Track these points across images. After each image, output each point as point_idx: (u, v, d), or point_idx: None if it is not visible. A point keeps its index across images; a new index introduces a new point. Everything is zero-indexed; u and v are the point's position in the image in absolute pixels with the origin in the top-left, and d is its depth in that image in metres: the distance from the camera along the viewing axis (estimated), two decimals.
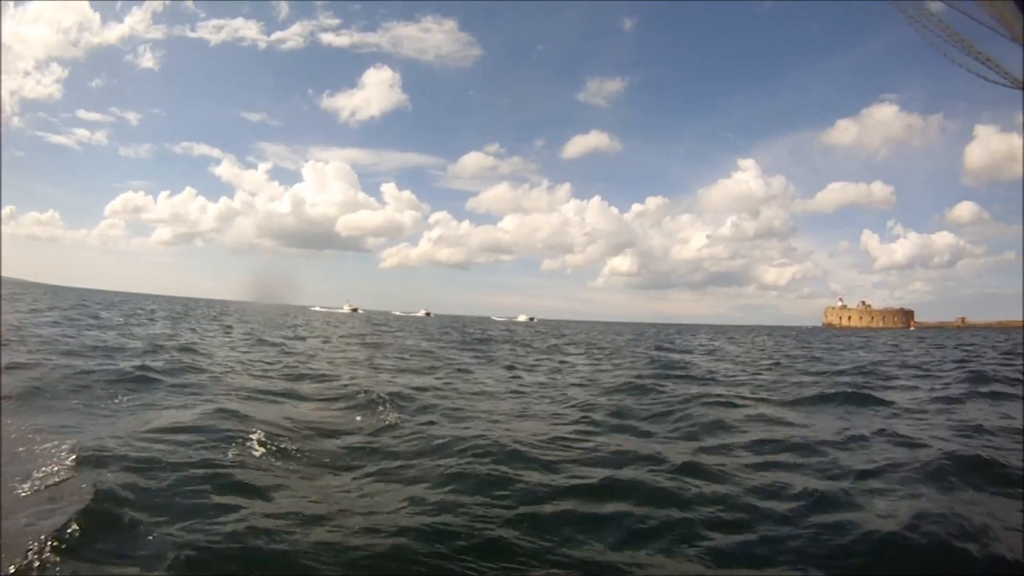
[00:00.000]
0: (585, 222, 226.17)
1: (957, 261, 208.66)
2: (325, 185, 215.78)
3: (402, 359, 17.02)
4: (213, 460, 5.14)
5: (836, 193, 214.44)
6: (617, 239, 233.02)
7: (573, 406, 9.29)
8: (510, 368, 15.73)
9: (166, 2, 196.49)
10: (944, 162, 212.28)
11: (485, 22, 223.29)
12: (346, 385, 10.50)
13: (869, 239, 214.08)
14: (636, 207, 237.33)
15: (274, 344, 19.25)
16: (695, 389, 11.03)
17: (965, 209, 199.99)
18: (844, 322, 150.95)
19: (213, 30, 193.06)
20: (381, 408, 8.11)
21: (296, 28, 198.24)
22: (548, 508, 4.47)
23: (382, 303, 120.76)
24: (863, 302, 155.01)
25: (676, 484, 4.99)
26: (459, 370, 14.41)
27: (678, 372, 14.61)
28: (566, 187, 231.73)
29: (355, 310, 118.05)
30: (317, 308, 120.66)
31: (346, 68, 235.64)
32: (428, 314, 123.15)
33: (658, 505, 4.53)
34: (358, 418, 7.70)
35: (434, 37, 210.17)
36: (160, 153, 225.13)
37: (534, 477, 5.16)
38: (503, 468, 5.26)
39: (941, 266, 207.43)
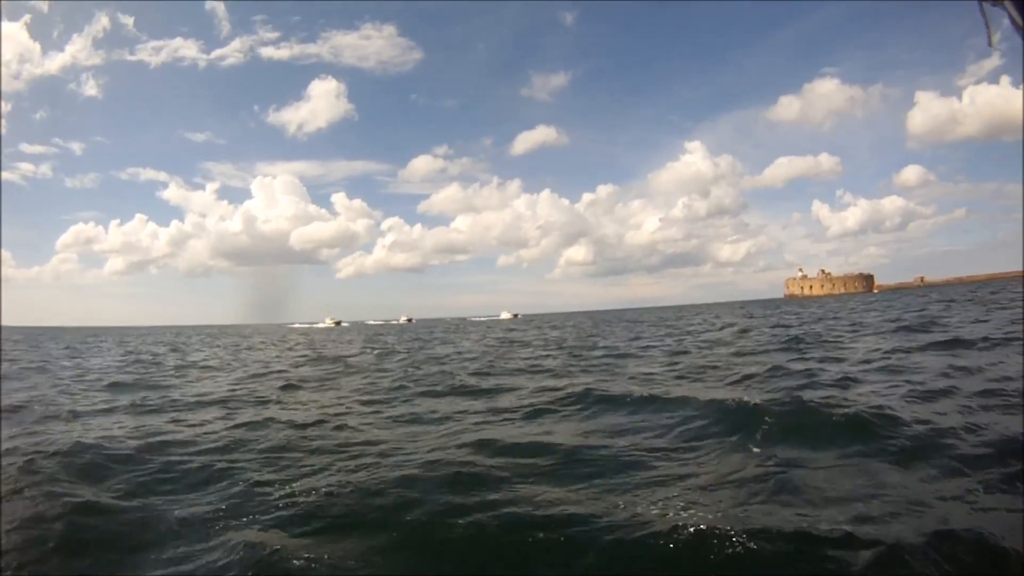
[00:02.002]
0: (537, 216, 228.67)
1: (908, 223, 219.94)
2: (275, 200, 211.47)
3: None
4: None
5: (784, 167, 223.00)
6: (570, 230, 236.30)
7: None
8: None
9: (107, 26, 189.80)
10: (888, 129, 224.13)
11: (424, 26, 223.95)
12: None
13: (820, 209, 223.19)
14: (587, 196, 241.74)
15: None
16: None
17: (912, 173, 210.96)
18: (806, 292, 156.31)
19: (152, 52, 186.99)
20: None
21: (236, 44, 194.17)
22: None
23: (350, 314, 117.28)
24: (823, 270, 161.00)
25: None
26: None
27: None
28: (516, 183, 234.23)
29: (338, 323, 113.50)
30: (295, 325, 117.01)
31: (290, 81, 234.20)
32: (410, 320, 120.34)
33: None
34: None
35: (374, 44, 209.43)
36: (107, 181, 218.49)
37: None
38: None
39: (893, 229, 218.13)
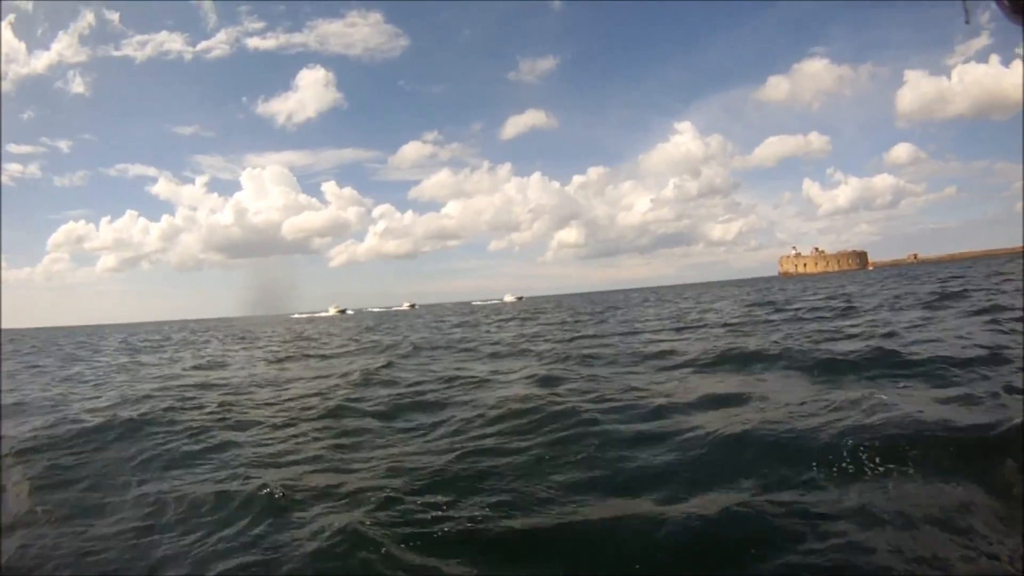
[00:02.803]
0: (528, 199, 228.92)
1: (899, 201, 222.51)
2: (265, 191, 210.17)
3: None
4: None
5: (774, 147, 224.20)
6: (562, 212, 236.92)
7: None
8: None
9: (92, 22, 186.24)
10: (877, 108, 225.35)
11: (409, 12, 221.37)
12: None
13: (811, 187, 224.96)
14: (578, 179, 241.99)
15: None
16: None
17: (902, 151, 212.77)
18: (800, 269, 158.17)
19: (138, 46, 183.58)
20: None
21: (221, 36, 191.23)
22: None
23: (346, 302, 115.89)
24: (816, 248, 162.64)
25: None
26: None
27: None
28: (507, 167, 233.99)
29: (343, 311, 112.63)
30: (296, 315, 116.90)
31: (278, 72, 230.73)
32: (414, 306, 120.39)
33: None
34: None
35: (360, 31, 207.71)
36: (96, 178, 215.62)
37: None
38: None
39: (884, 207, 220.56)
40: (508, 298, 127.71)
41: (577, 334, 17.89)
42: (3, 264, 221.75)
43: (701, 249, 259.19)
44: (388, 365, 12.34)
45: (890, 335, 10.68)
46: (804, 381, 7.43)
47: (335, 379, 11.10)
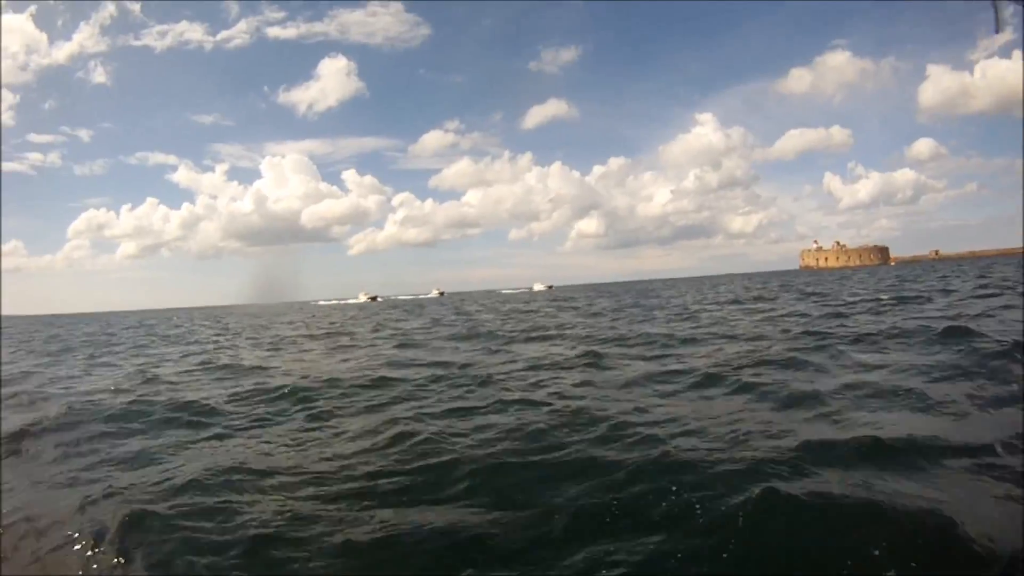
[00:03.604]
0: (548, 189, 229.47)
1: (920, 196, 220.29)
2: (285, 179, 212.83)
3: None
4: None
5: (795, 139, 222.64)
6: (582, 202, 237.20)
7: None
8: None
9: (113, 12, 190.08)
10: (899, 102, 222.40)
11: (430, 1, 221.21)
12: None
13: (831, 181, 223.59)
14: (598, 169, 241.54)
15: None
16: None
17: (923, 146, 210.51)
18: (822, 263, 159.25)
19: (158, 36, 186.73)
20: None
21: (242, 25, 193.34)
22: None
23: (372, 289, 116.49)
24: (837, 242, 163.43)
25: None
26: None
27: None
28: (527, 156, 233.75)
29: (373, 298, 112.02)
30: (322, 302, 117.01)
31: (299, 60, 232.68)
32: (442, 294, 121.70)
33: None
34: None
35: (381, 20, 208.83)
36: (116, 167, 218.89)
37: None
38: None
39: (904, 202, 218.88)
40: (538, 287, 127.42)
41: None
42: (23, 252, 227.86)
43: (720, 241, 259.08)
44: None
45: None
46: None
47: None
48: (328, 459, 5.47)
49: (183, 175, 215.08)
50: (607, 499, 4.02)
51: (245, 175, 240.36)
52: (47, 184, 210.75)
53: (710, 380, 8.16)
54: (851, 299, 23.00)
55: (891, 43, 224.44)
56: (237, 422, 7.41)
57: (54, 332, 39.47)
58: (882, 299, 21.41)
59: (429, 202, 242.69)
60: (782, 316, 18.03)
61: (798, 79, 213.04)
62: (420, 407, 7.52)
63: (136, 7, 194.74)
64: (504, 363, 11.46)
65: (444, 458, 5.13)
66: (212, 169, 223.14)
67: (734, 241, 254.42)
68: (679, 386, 8.11)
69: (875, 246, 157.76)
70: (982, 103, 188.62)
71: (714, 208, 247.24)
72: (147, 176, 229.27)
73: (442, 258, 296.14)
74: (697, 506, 3.75)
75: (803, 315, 17.71)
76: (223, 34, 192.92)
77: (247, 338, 23.98)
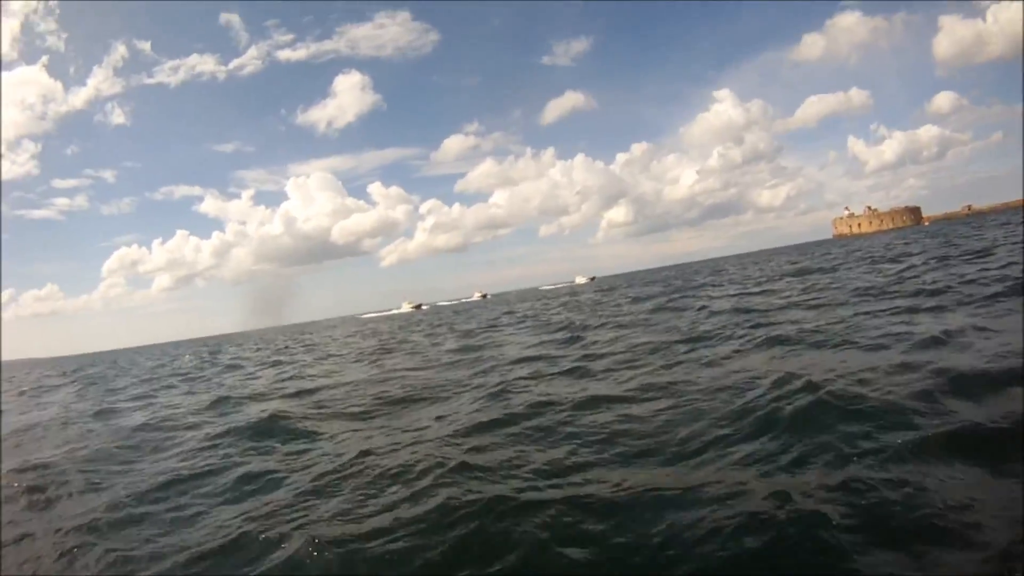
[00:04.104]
0: (574, 181, 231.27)
1: (946, 151, 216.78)
2: (311, 198, 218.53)
3: None
4: None
5: (815, 106, 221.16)
6: (608, 191, 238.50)
7: None
8: None
9: (124, 54, 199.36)
10: (915, 58, 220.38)
11: (436, 6, 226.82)
12: None
13: (855, 145, 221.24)
14: (621, 156, 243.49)
15: None
16: None
17: (944, 100, 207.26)
18: (855, 230, 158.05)
19: (170, 72, 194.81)
20: None
21: (252, 52, 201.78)
22: None
23: (413, 298, 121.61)
24: (868, 207, 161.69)
25: None
26: None
27: None
28: (550, 151, 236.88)
29: (418, 307, 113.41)
30: (369, 315, 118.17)
31: (313, 80, 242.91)
32: (485, 296, 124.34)
33: None
34: None
35: (389, 31, 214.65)
36: (142, 204, 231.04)
37: None
38: None
39: (931, 159, 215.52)
40: (580, 280, 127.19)
41: None
42: (59, 295, 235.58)
43: (751, 217, 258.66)
44: None
45: None
46: None
47: None
48: None
49: (210, 205, 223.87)
50: None
51: (271, 198, 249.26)
52: (76, 227, 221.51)
53: None
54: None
55: None
56: None
57: (98, 369, 40.88)
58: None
59: (456, 207, 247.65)
60: None
61: (811, 45, 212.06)
62: None
63: (146, 45, 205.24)
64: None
65: None
66: (238, 196, 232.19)
67: (764, 216, 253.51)
68: None
69: (907, 207, 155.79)
70: (997, 48, 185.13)
71: (740, 184, 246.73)
72: (174, 209, 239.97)
73: (474, 260, 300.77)
74: None
75: None
76: (235, 62, 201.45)
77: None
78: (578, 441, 5.96)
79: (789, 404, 5.74)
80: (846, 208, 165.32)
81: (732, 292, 23.44)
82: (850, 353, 8.15)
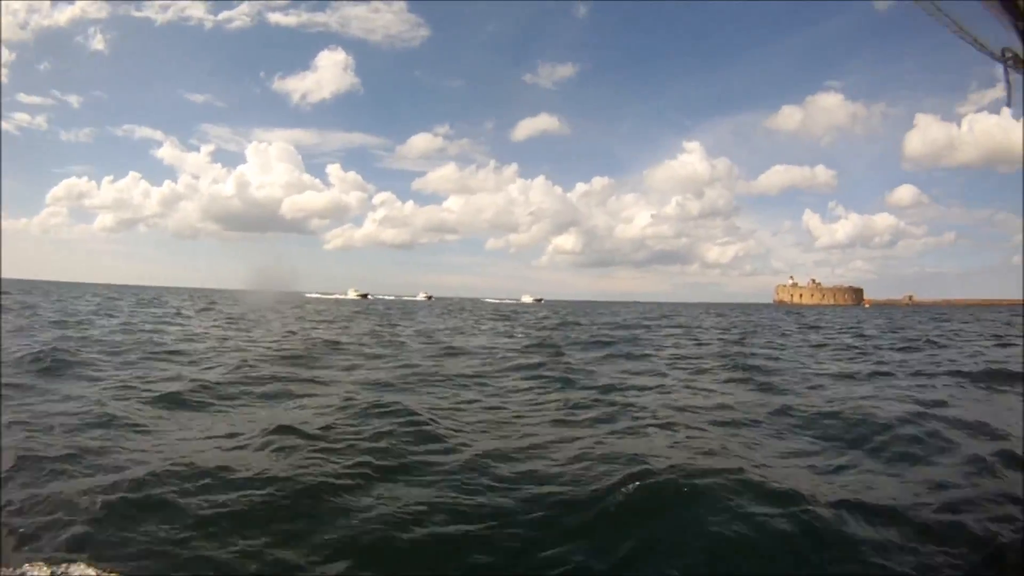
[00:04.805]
0: (530, 201, 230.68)
1: (898, 241, 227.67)
2: (269, 166, 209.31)
3: None
4: None
5: (780, 175, 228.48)
6: (561, 218, 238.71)
7: None
8: None
9: None
10: (885, 148, 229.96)
11: (433, 3, 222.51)
12: None
13: (811, 219, 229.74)
14: (581, 187, 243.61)
15: None
16: None
17: (905, 192, 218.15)
18: (796, 299, 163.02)
19: (160, 9, 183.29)
20: None
21: (244, 7, 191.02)
22: None
23: (352, 286, 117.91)
24: (813, 280, 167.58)
25: None
26: None
27: None
28: (513, 168, 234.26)
29: (364, 296, 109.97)
30: (312, 295, 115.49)
31: (297, 49, 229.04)
32: (430, 298, 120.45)
33: None
34: None
35: (383, 17, 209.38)
36: (101, 136, 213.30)
37: None
38: None
39: (882, 246, 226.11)
40: (526, 299, 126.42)
41: None
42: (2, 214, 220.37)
43: (696, 269, 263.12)
44: None
45: None
46: None
47: None
48: None
49: (168, 152, 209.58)
50: None
51: (230, 158, 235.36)
52: (31, 146, 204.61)
53: None
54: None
55: (884, 88, 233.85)
56: None
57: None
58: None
59: (410, 204, 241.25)
60: None
61: (788, 116, 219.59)
62: None
63: None
64: None
65: None
66: (197, 149, 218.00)
67: (709, 270, 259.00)
68: None
69: (850, 287, 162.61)
70: (967, 156, 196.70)
71: (692, 236, 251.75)
72: (132, 149, 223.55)
73: (418, 261, 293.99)
74: None
75: None
76: (224, 14, 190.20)
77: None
78: None
79: None
80: (791, 277, 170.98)
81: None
82: None
